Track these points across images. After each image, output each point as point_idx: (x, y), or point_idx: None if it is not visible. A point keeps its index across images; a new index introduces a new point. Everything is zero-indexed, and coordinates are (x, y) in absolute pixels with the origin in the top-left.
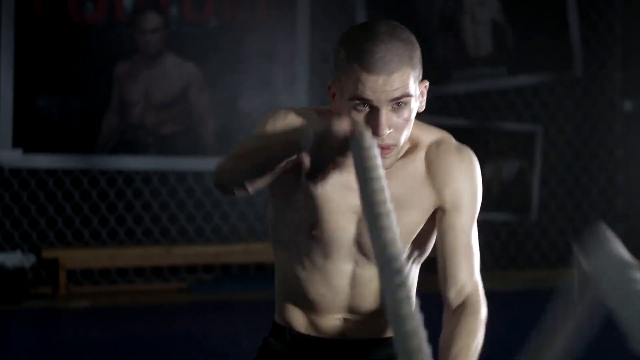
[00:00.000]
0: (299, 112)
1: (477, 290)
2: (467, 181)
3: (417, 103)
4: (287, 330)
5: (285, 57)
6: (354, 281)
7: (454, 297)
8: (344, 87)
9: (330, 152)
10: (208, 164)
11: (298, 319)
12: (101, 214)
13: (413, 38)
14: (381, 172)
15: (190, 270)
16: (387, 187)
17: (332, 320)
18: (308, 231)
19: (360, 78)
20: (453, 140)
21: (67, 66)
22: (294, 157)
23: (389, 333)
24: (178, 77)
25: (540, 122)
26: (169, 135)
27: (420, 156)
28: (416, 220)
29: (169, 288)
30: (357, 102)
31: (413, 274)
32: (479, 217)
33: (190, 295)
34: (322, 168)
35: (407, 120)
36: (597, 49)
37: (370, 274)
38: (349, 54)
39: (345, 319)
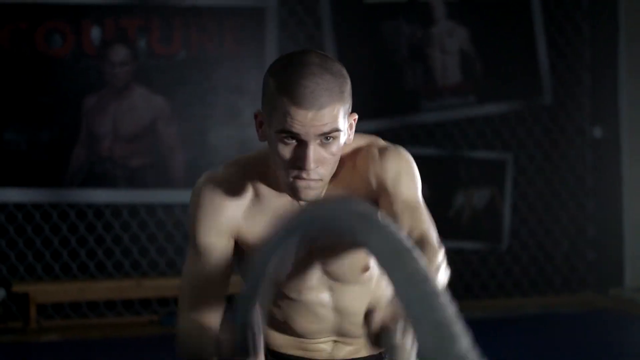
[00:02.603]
0: (220, 188)
1: (427, 235)
2: (390, 167)
3: (345, 136)
4: (271, 352)
5: (254, 90)
6: (336, 307)
7: None
8: (272, 118)
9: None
10: (178, 196)
11: (283, 342)
12: (71, 247)
13: (344, 71)
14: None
15: (161, 303)
16: None
17: (321, 344)
18: (275, 285)
19: (289, 111)
20: (381, 142)
21: (35, 99)
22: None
23: (373, 351)
24: (146, 110)
25: (510, 150)
26: (138, 168)
27: (348, 166)
28: None
29: (140, 321)
30: (285, 135)
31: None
32: (450, 244)
33: (161, 327)
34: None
35: (335, 154)
36: (566, 76)
37: (350, 296)
38: (278, 86)
39: (334, 342)
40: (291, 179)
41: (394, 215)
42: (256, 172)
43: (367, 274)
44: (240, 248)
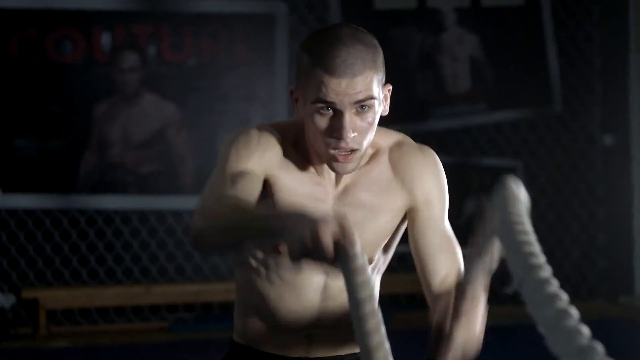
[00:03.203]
0: (260, 134)
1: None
2: (434, 178)
3: (380, 107)
4: (248, 349)
5: (264, 97)
6: (325, 294)
7: (437, 287)
8: (307, 91)
9: (315, 256)
10: (188, 203)
11: (261, 338)
12: (81, 253)
13: (376, 42)
14: (370, 287)
15: (170, 310)
16: (375, 299)
17: (298, 338)
18: (276, 248)
19: (323, 81)
20: (413, 142)
21: (45, 106)
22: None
23: (352, 349)
24: (156, 117)
25: (521, 158)
26: (148, 174)
27: (383, 160)
28: (388, 226)
29: (149, 327)
30: (320, 105)
31: (377, 283)
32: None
33: (170, 334)
34: (302, 258)
35: (371, 123)
36: (577, 84)
37: (341, 285)
38: (312, 58)
39: (310, 336)
40: (330, 151)
41: (427, 248)
42: (291, 136)
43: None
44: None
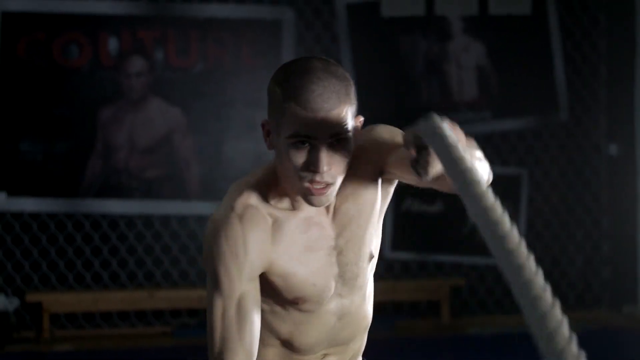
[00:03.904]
0: (242, 221)
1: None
2: (378, 131)
3: (353, 138)
4: None
5: None
6: (341, 312)
7: None
8: (281, 125)
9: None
10: (192, 208)
11: (272, 359)
12: (85, 257)
13: (347, 74)
14: (475, 169)
15: (174, 314)
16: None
17: (314, 358)
18: (291, 304)
19: (298, 116)
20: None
21: (51, 110)
22: None
23: (357, 358)
24: (162, 122)
25: (526, 166)
26: (154, 179)
27: (357, 158)
28: (378, 216)
29: (152, 332)
30: (296, 140)
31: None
32: (465, 260)
33: (174, 339)
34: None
35: (346, 156)
36: (582, 93)
37: (354, 299)
38: (285, 92)
39: (324, 355)
40: (305, 184)
41: (401, 158)
42: (268, 197)
43: (370, 264)
44: (262, 279)
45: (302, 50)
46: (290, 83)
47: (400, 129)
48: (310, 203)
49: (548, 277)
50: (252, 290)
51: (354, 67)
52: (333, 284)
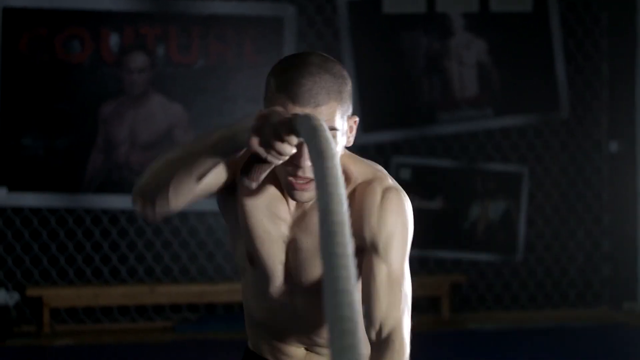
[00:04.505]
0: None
1: (399, 328)
2: (389, 222)
3: (343, 138)
4: (257, 357)
5: None
6: (298, 313)
7: (374, 337)
8: None
9: (274, 133)
10: (193, 204)
11: (263, 346)
12: (86, 252)
13: (345, 73)
14: (336, 159)
15: (174, 310)
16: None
17: (296, 350)
18: (249, 259)
19: (286, 109)
20: (385, 181)
21: (53, 105)
22: (229, 155)
23: None
24: (163, 118)
25: (527, 163)
26: None
27: (348, 192)
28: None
29: (153, 327)
30: None
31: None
32: (465, 256)
33: (174, 334)
34: (261, 158)
35: None
36: (583, 90)
37: (310, 304)
38: (277, 84)
39: (308, 350)
40: (289, 178)
41: (373, 285)
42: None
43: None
44: (233, 203)
45: (303, 46)
46: (283, 75)
47: (402, 127)
48: (292, 197)
49: (548, 274)
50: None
51: (355, 64)
52: (280, 268)
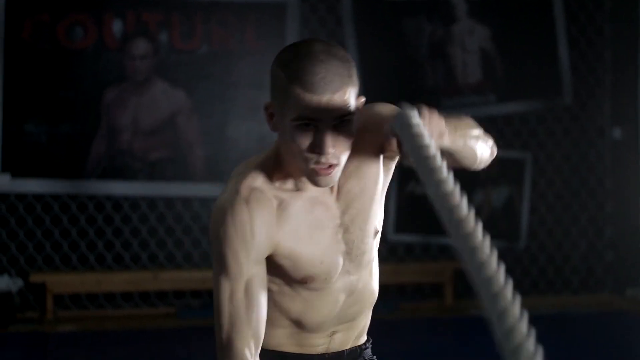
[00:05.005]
0: (248, 202)
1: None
2: (381, 108)
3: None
4: (267, 351)
5: None
6: (350, 289)
7: None
8: (285, 108)
9: None
10: (196, 190)
11: (281, 339)
12: (89, 239)
13: (349, 56)
14: (437, 156)
15: (177, 296)
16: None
17: (321, 337)
18: (300, 283)
19: (302, 99)
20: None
21: (56, 92)
22: None
23: (361, 340)
24: (166, 104)
25: (530, 150)
26: (158, 161)
27: (359, 136)
28: (375, 191)
29: (156, 313)
30: (301, 122)
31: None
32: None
33: (177, 320)
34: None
35: (350, 137)
36: (587, 76)
37: (362, 276)
38: (289, 75)
39: (332, 333)
40: (311, 166)
41: None
42: (272, 179)
43: (375, 240)
44: (269, 260)
45: (306, 32)
46: (293, 66)
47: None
48: (316, 184)
49: (551, 260)
50: (259, 273)
51: (359, 50)
52: (341, 261)
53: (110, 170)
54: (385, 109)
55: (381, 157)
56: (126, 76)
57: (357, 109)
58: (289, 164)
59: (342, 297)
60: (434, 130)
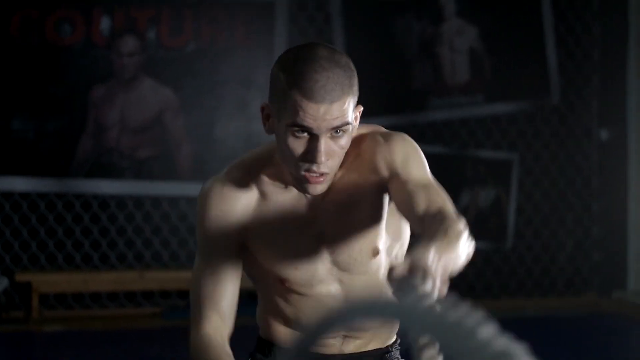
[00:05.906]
0: (232, 181)
1: (446, 210)
2: (397, 151)
3: (353, 129)
4: (274, 346)
5: (262, 83)
6: (346, 294)
7: (422, 212)
8: (282, 112)
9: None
10: (184, 189)
11: (288, 336)
12: (75, 238)
13: (351, 64)
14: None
15: (164, 296)
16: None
17: (330, 340)
18: (281, 283)
19: (300, 105)
20: (381, 129)
21: (43, 89)
22: None
23: (379, 344)
24: (154, 102)
25: (517, 150)
26: (145, 159)
27: (355, 156)
28: (373, 214)
29: (142, 313)
30: (296, 128)
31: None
32: None
33: (163, 320)
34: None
35: (344, 147)
36: (574, 77)
37: (359, 287)
38: (289, 79)
39: (344, 336)
40: (302, 173)
41: (408, 196)
42: (261, 171)
43: (377, 259)
44: (248, 251)
45: (295, 30)
46: (294, 70)
47: (393, 113)
48: (305, 191)
49: (537, 261)
50: (229, 258)
51: (347, 48)
52: (321, 270)
53: (97, 169)
54: (405, 151)
55: (383, 191)
56: (114, 73)
57: (356, 118)
58: (281, 165)
59: (337, 303)
60: (442, 289)
